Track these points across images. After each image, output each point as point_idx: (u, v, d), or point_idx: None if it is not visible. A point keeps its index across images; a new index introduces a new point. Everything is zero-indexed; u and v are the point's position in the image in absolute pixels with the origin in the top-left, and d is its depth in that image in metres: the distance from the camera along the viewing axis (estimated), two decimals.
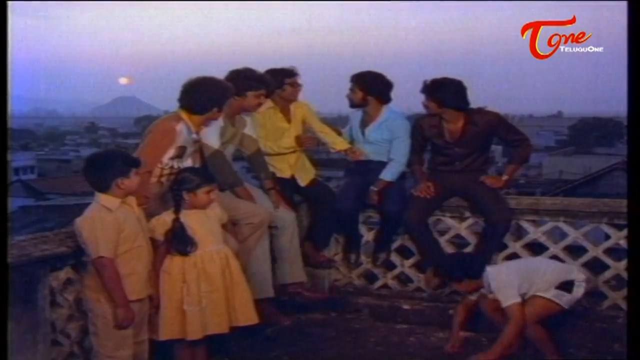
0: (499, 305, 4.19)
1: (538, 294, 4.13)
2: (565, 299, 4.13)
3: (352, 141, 5.23)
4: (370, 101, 5.05)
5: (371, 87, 5.03)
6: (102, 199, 3.47)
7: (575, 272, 4.26)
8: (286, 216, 4.80)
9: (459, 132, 4.80)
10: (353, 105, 5.12)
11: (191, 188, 3.77)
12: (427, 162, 5.11)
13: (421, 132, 4.95)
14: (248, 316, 3.87)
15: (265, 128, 4.94)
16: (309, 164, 5.22)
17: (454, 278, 4.37)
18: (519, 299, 4.10)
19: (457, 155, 4.85)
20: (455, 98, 4.75)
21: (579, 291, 4.17)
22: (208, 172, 3.97)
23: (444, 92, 4.75)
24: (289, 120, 5.02)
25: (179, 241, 3.72)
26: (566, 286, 4.14)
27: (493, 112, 4.89)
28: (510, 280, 4.14)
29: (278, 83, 4.84)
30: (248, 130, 4.73)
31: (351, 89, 5.07)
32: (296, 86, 4.98)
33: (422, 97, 4.84)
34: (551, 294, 4.12)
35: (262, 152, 4.85)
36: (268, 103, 4.89)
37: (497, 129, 4.84)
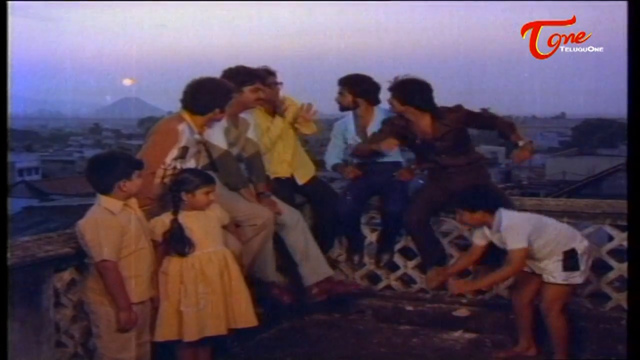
0: (530, 299, 4.24)
1: (548, 280, 4.13)
2: (576, 278, 4.14)
3: (347, 147, 5.23)
4: (361, 103, 5.07)
5: (360, 89, 5.05)
6: (104, 201, 3.47)
7: (578, 240, 4.21)
8: (289, 215, 4.79)
9: (429, 130, 4.77)
10: (343, 108, 5.14)
11: (190, 189, 3.77)
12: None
13: (394, 128, 4.86)
14: (247, 318, 3.86)
15: (259, 126, 4.93)
16: (308, 161, 5.22)
17: (470, 207, 4.27)
18: (525, 245, 4.07)
19: (437, 152, 4.81)
20: (416, 97, 4.74)
21: (584, 264, 4.15)
22: (207, 173, 3.96)
23: (408, 90, 4.74)
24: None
25: (177, 242, 3.72)
26: (570, 263, 4.12)
27: (456, 107, 4.86)
28: (523, 225, 4.14)
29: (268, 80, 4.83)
30: (250, 134, 4.73)
31: (340, 93, 5.09)
32: (274, 86, 4.97)
33: None
34: (561, 278, 4.11)
35: (261, 155, 4.81)
36: None
37: (466, 121, 4.81)
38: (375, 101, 5.12)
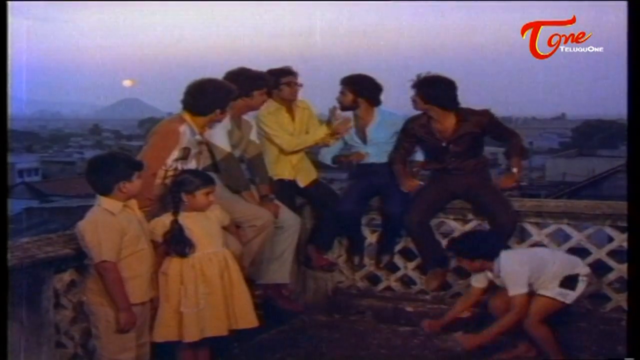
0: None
1: (541, 292, 4.12)
2: (569, 297, 4.13)
3: (345, 146, 5.24)
4: (361, 103, 5.06)
5: (362, 90, 5.04)
6: (104, 202, 3.47)
7: (580, 266, 4.23)
8: (289, 218, 4.79)
9: (450, 130, 4.77)
10: (343, 108, 5.12)
11: (190, 190, 3.77)
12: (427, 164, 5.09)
13: (411, 132, 4.90)
14: (247, 319, 3.86)
15: (283, 127, 4.95)
16: (310, 165, 5.22)
17: (470, 256, 4.26)
18: (526, 290, 4.08)
19: (451, 153, 4.82)
20: (442, 96, 4.73)
21: (582, 287, 4.16)
22: (207, 174, 3.96)
23: (432, 88, 4.73)
24: (293, 120, 5.03)
25: (177, 243, 3.72)
26: (570, 283, 4.12)
27: (483, 110, 4.88)
28: (522, 269, 4.12)
29: (274, 83, 4.85)
30: (252, 136, 4.74)
31: (341, 92, 5.08)
32: (294, 85, 4.97)
33: None
34: (555, 292, 4.10)
35: (263, 157, 4.82)
36: (275, 104, 4.90)
37: (488, 127, 4.82)
38: (376, 102, 5.12)
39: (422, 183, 5.06)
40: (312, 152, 5.39)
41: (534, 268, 4.14)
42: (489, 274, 4.28)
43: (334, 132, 5.00)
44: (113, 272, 3.42)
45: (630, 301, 3.63)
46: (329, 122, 5.03)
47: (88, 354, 3.76)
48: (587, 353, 4.40)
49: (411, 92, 4.83)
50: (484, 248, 4.24)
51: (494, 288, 4.36)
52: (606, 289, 4.75)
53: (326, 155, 5.27)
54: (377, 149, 5.09)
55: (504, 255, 4.21)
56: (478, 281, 4.33)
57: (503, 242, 4.48)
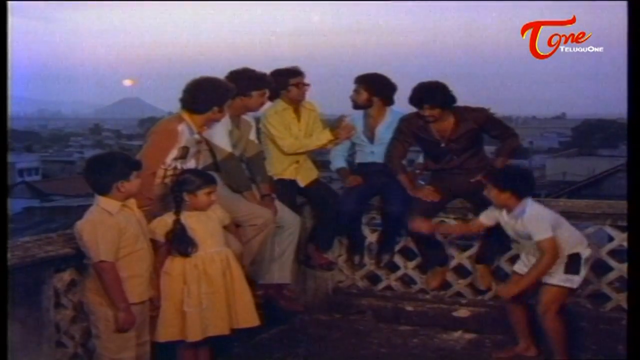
0: (521, 301, 4.23)
1: (547, 281, 4.11)
2: (575, 281, 4.13)
3: (353, 146, 5.24)
4: (375, 102, 5.06)
5: (376, 88, 5.03)
6: (102, 202, 3.47)
7: (584, 245, 4.20)
8: (289, 218, 4.79)
9: (450, 130, 4.77)
10: (357, 106, 5.11)
11: (192, 189, 3.78)
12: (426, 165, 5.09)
13: (410, 131, 4.88)
14: (249, 318, 3.87)
15: (289, 127, 4.95)
16: (311, 164, 5.22)
17: (502, 185, 4.16)
18: (551, 234, 4.05)
19: (452, 151, 4.81)
20: (445, 99, 4.72)
21: (585, 270, 4.16)
22: (209, 174, 3.96)
23: (433, 94, 4.70)
24: (299, 120, 5.03)
25: (180, 242, 3.72)
26: (573, 266, 4.10)
27: (479, 108, 4.88)
28: (546, 216, 4.12)
29: (282, 84, 4.85)
30: (251, 135, 4.73)
31: (356, 90, 5.07)
32: (302, 86, 4.97)
33: None
34: (561, 279, 4.10)
35: (262, 156, 4.81)
36: (282, 104, 4.90)
37: (485, 124, 4.81)
38: (390, 102, 5.11)
39: (424, 185, 5.05)
40: (316, 152, 5.39)
41: (555, 220, 4.13)
42: (505, 215, 4.21)
43: (336, 137, 4.99)
44: (111, 272, 3.41)
45: (630, 301, 3.63)
46: (333, 128, 5.02)
47: (88, 354, 3.76)
48: (588, 353, 4.40)
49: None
50: (519, 183, 4.18)
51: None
52: (606, 288, 4.75)
53: (333, 162, 5.29)
54: (382, 148, 5.06)
55: (531, 201, 4.18)
56: (486, 217, 4.32)
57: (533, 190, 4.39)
